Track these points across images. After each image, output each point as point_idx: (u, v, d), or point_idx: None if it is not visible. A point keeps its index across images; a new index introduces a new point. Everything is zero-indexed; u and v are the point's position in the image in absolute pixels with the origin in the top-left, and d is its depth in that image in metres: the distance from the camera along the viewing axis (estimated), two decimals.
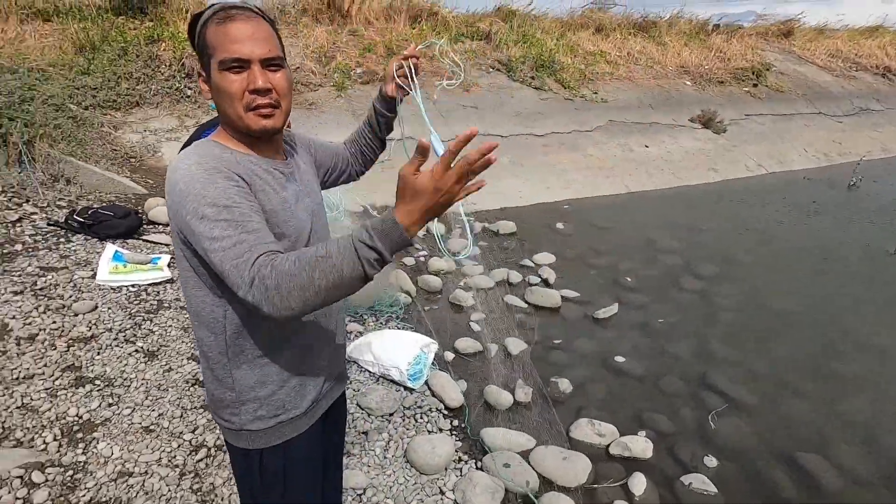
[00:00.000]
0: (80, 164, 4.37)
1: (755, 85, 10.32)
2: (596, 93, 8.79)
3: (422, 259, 4.33)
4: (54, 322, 2.68)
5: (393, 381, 2.72)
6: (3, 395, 2.18)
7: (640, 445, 2.45)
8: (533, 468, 2.27)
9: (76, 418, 2.15)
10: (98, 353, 2.54)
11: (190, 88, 6.35)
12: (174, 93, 6.22)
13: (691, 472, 2.36)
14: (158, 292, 3.15)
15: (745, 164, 8.07)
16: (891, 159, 9.20)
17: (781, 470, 2.43)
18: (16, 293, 2.82)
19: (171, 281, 3.25)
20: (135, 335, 2.73)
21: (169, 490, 1.91)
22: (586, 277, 4.31)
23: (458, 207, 0.92)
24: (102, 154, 4.82)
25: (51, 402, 2.20)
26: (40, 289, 2.91)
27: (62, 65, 5.94)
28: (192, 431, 2.19)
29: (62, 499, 1.81)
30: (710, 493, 2.27)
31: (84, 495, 1.83)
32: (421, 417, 2.51)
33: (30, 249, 3.26)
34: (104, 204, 3.99)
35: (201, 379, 2.50)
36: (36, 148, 4.09)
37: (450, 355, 3.09)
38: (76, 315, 2.77)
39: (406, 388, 2.69)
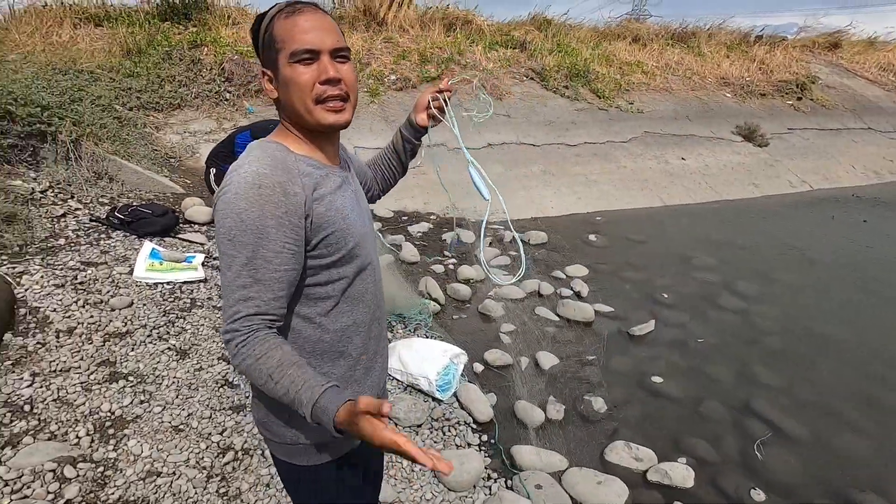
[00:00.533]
0: (122, 163, 4.49)
1: (799, 98, 9.95)
2: (631, 103, 8.62)
3: (451, 267, 4.28)
4: (92, 316, 2.72)
5: (421, 391, 2.66)
6: (41, 386, 2.21)
7: (681, 473, 2.32)
8: (565, 490, 2.17)
9: (109, 414, 2.16)
10: (132, 350, 2.57)
11: (229, 92, 6.50)
12: (213, 96, 6.37)
13: None
14: (192, 291, 3.18)
15: (787, 180, 7.76)
16: None
17: None
18: (57, 286, 2.88)
19: (204, 281, 3.28)
20: (168, 332, 2.76)
21: (196, 492, 1.89)
22: (620, 292, 4.17)
23: (482, 220, 0.87)
24: (144, 154, 4.95)
25: (85, 396, 2.22)
26: (80, 283, 2.97)
27: (110, 67, 6.17)
28: (221, 433, 2.17)
29: (92, 495, 1.81)
30: None
31: (113, 493, 1.82)
32: (449, 430, 2.44)
33: (72, 244, 3.35)
34: (143, 202, 4.09)
35: (231, 380, 2.49)
36: (82, 146, 4.23)
37: (479, 367, 3.02)
38: (113, 310, 2.82)
39: (434, 398, 2.63)
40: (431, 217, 5.25)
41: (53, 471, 1.84)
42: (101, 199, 4.01)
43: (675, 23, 11.23)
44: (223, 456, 2.07)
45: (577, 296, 4.02)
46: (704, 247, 5.22)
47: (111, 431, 2.08)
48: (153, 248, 3.37)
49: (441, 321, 3.48)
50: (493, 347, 3.19)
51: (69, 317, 2.68)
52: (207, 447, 2.10)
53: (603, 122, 8.05)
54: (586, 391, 2.92)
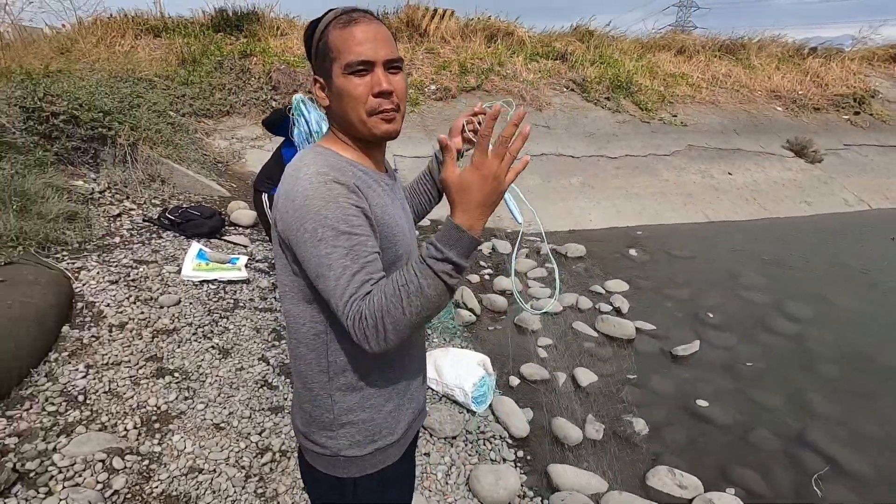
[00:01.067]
0: (174, 166, 4.69)
1: (857, 113, 9.46)
2: (675, 116, 8.40)
3: (487, 277, 4.24)
4: (142, 312, 2.83)
5: (456, 402, 2.63)
6: (94, 378, 2.30)
7: None
8: None
9: (155, 408, 2.23)
10: (178, 346, 2.65)
11: (275, 100, 6.71)
12: (261, 104, 6.59)
13: None
14: (235, 291, 3.26)
15: (843, 198, 7.35)
16: None
17: None
18: (112, 282, 3.01)
19: (247, 281, 3.36)
20: (212, 331, 2.83)
21: (235, 491, 1.91)
22: (662, 309, 4.03)
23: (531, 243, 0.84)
24: (194, 158, 5.16)
25: (134, 389, 2.30)
26: (132, 280, 3.10)
27: (166, 75, 6.48)
28: (259, 434, 2.20)
29: (137, 487, 1.86)
30: None
31: (157, 487, 1.87)
32: (484, 444, 2.40)
33: (126, 242, 3.50)
34: (192, 204, 4.24)
35: (270, 381, 2.53)
36: (139, 149, 4.44)
37: (515, 380, 2.96)
38: (161, 307, 2.92)
39: (469, 410, 2.59)
40: None
41: (103, 461, 1.90)
42: (153, 201, 4.19)
43: (724, 34, 10.91)
44: (261, 456, 2.09)
45: (617, 312, 3.91)
46: (752, 265, 4.99)
47: (157, 426, 2.14)
48: (200, 249, 3.48)
49: (476, 332, 3.45)
50: (530, 361, 3.13)
51: (121, 312, 2.79)
52: (246, 447, 2.13)
53: (645, 135, 7.87)
54: (626, 411, 2.81)
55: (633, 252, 5.12)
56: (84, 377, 2.29)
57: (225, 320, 2.96)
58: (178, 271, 3.29)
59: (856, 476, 2.48)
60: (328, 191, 0.82)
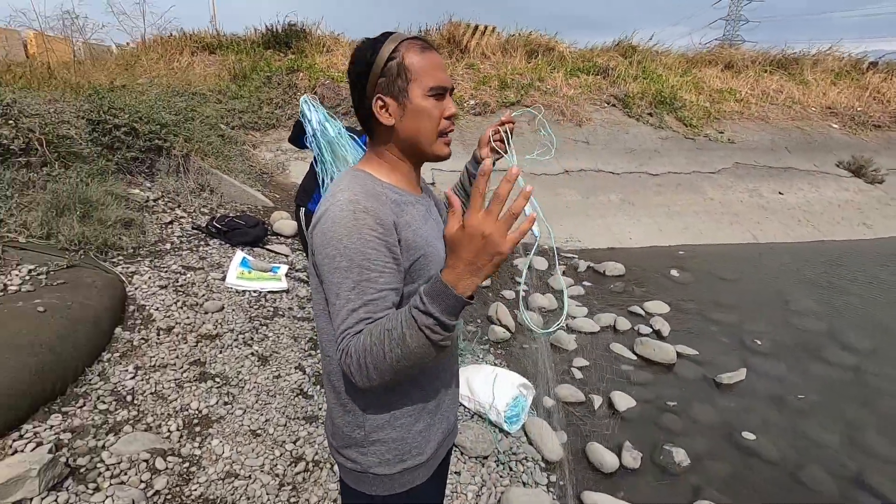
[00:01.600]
0: (222, 177, 4.90)
1: None
2: (722, 132, 8.14)
3: (523, 294, 4.19)
4: (188, 317, 2.95)
5: (488, 421, 2.59)
6: (142, 379, 2.41)
7: None
8: None
9: (196, 412, 2.30)
10: (220, 352, 2.73)
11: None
12: None
13: None
14: (275, 300, 3.35)
15: None
16: None
17: None
18: (161, 287, 3.16)
19: (286, 291, 3.45)
20: (252, 339, 2.91)
21: (268, 499, 1.94)
22: (706, 334, 3.87)
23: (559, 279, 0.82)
24: (241, 169, 5.37)
25: (178, 392, 2.39)
26: (180, 285, 3.24)
27: (218, 90, 6.82)
28: (294, 442, 2.24)
29: (177, 489, 1.92)
30: None
31: (195, 489, 1.92)
32: (516, 466, 2.35)
33: (176, 249, 3.67)
34: (237, 213, 4.41)
35: (306, 390, 2.58)
36: (191, 160, 4.67)
37: (549, 401, 2.90)
38: (206, 313, 3.03)
39: (502, 430, 2.55)
40: None
41: (147, 461, 1.97)
42: (202, 209, 4.38)
43: (776, 48, 10.53)
44: (295, 465, 2.12)
45: (657, 334, 3.78)
46: (805, 290, 4.73)
47: (197, 429, 2.21)
48: (244, 258, 3.61)
49: (510, 349, 3.41)
50: (565, 382, 3.06)
51: (169, 316, 2.91)
52: (281, 455, 2.16)
53: (689, 152, 7.66)
54: (666, 440, 2.70)
55: (674, 272, 4.96)
56: (133, 378, 2.40)
57: (265, 328, 3.04)
58: (223, 278, 3.42)
59: None
60: (355, 220, 0.84)
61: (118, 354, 2.53)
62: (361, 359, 0.79)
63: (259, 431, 2.26)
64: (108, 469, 1.90)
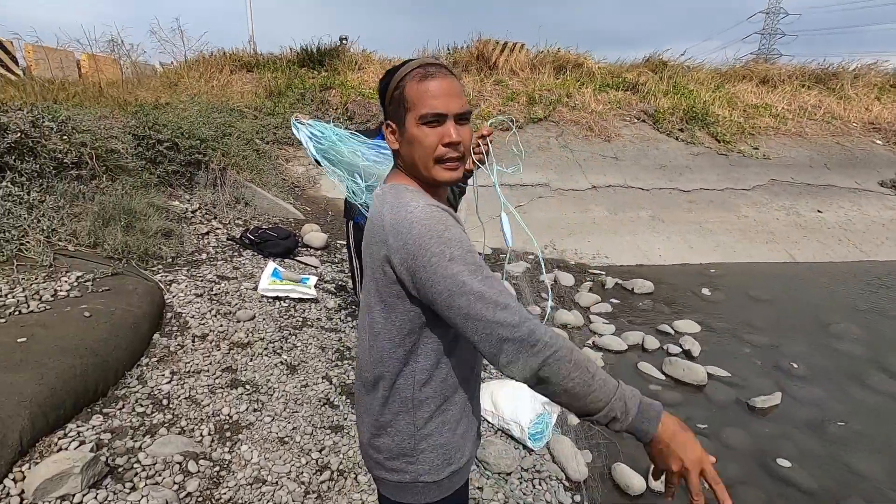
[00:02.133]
0: (256, 190, 5.08)
1: None
2: (756, 148, 7.95)
3: (549, 310, 4.16)
4: (221, 325, 3.05)
5: (512, 437, 2.58)
6: (177, 384, 2.50)
7: None
8: None
9: (227, 417, 2.37)
10: (251, 360, 2.82)
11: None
12: None
13: None
14: (304, 310, 3.43)
15: None
16: None
17: None
18: (197, 295, 3.28)
19: (315, 301, 3.54)
20: (281, 347, 2.99)
21: None
22: (739, 355, 3.75)
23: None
24: (274, 182, 5.56)
25: (210, 398, 2.47)
26: (215, 294, 3.36)
27: (255, 106, 7.09)
28: (320, 451, 2.28)
29: (207, 492, 1.97)
30: None
31: (225, 493, 1.98)
32: (540, 484, 2.32)
33: (211, 259, 3.81)
34: (270, 225, 4.56)
35: (332, 400, 2.62)
36: (227, 174, 4.86)
37: (574, 419, 2.86)
38: (238, 322, 3.13)
39: (525, 447, 2.53)
40: (529, 257, 5.20)
41: (180, 464, 2.04)
42: (237, 221, 4.54)
43: (814, 62, 10.26)
44: (320, 474, 2.16)
45: (687, 354, 3.69)
46: (846, 313, 4.54)
47: (228, 434, 2.28)
48: (275, 268, 3.71)
49: None
50: None
51: (204, 324, 3.02)
52: (307, 463, 2.20)
53: (722, 168, 7.50)
54: None
55: (705, 291, 4.84)
56: (169, 382, 2.50)
57: (294, 337, 3.11)
58: (255, 288, 3.53)
59: None
60: (443, 217, 0.89)
61: (156, 359, 2.64)
62: (561, 354, 0.79)
63: (286, 439, 2.31)
64: (143, 469, 1.98)
